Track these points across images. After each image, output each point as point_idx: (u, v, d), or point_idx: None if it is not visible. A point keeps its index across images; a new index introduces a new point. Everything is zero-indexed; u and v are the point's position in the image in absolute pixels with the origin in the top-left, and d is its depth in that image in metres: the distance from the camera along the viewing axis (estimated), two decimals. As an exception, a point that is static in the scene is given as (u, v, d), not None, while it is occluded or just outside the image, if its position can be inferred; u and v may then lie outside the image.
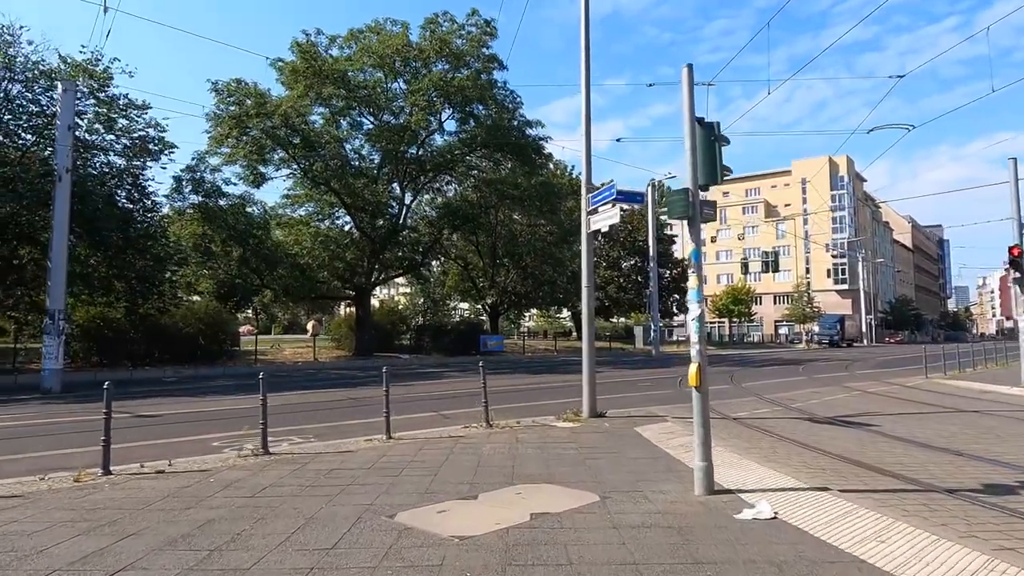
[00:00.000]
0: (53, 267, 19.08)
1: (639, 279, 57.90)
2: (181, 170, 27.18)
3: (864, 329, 77.83)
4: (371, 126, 32.28)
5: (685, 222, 6.17)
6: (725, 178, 6.32)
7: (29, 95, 22.20)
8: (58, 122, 19.44)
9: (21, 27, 22.25)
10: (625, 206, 11.24)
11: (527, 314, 78.58)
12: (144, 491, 6.24)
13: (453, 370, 26.35)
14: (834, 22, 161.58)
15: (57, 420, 12.29)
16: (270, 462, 7.55)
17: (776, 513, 5.16)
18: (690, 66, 6.30)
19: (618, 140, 46.65)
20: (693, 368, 5.86)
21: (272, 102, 27.80)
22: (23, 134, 22.71)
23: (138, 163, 25.02)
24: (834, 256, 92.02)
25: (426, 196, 38.71)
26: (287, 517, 5.23)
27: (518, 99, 32.67)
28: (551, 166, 41.15)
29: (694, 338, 5.96)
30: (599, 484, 6.25)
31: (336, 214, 34.51)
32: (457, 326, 41.29)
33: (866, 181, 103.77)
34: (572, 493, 5.90)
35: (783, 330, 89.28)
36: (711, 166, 6.18)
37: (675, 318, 71.13)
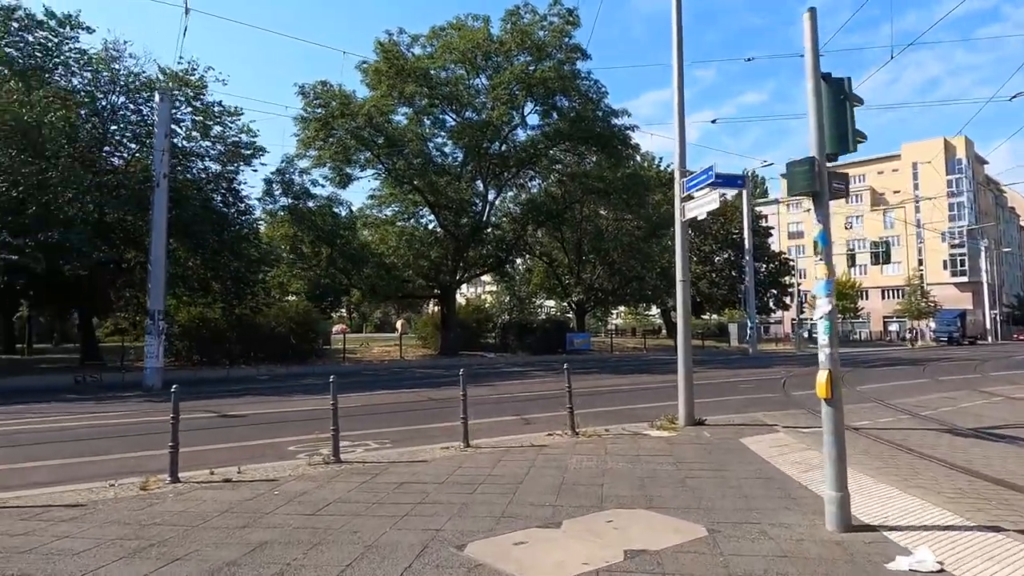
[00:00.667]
0: (152, 269, 19.87)
1: (732, 274, 55.22)
2: (271, 173, 27.97)
3: (988, 325, 71.00)
4: (453, 123, 32.09)
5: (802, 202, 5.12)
6: (859, 144, 5.19)
7: (132, 106, 23.33)
8: (156, 130, 20.23)
9: (125, 42, 23.45)
10: (721, 192, 10.06)
11: (614, 312, 76.96)
12: (205, 503, 5.86)
13: (538, 369, 25.68)
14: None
15: (150, 419, 12.49)
16: (340, 472, 7.06)
17: (942, 564, 4.05)
18: (812, 11, 5.22)
19: (713, 121, 43.41)
20: (823, 376, 4.79)
21: (356, 103, 28.07)
22: (127, 143, 23.91)
23: (232, 168, 25.86)
24: (951, 246, 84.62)
25: (510, 192, 38.28)
26: (345, 544, 4.62)
27: (603, 88, 31.57)
28: (638, 158, 39.60)
29: (823, 340, 4.89)
30: (704, 512, 5.30)
31: (421, 213, 34.61)
32: (543, 324, 40.53)
33: (987, 164, 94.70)
34: (673, 523, 4.99)
35: (893, 327, 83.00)
36: (841, 131, 5.09)
37: (772, 315, 67.56)
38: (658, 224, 38.71)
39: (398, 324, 73.21)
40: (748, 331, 39.09)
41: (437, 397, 15.55)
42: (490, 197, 34.51)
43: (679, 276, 10.30)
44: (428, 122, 32.66)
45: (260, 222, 28.49)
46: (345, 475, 6.91)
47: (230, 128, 25.47)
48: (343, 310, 77.86)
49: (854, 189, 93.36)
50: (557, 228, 37.82)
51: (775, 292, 58.69)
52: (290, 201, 28.29)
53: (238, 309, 26.06)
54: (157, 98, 20.22)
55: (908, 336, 71.24)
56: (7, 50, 20.35)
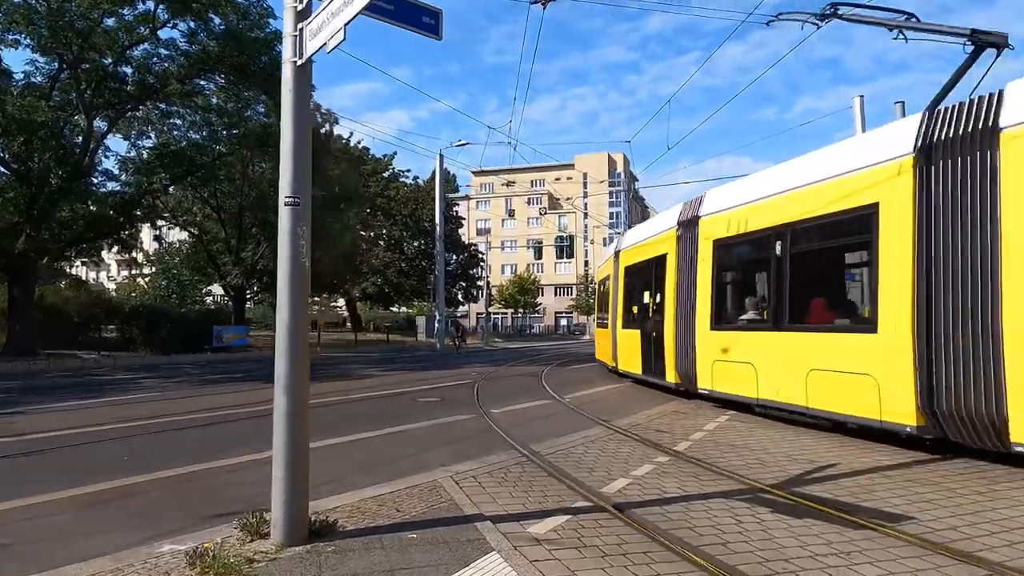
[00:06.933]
0: None
1: (423, 264, 51.95)
2: None
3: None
4: (35, 12, 21.36)
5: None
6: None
7: None
8: None
9: None
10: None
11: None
12: None
13: (155, 376, 17.98)
14: (600, 43, 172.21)
15: None
16: None
17: None
18: None
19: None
20: None
21: None
22: None
23: None
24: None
25: (143, 140, 28.23)
26: None
27: (267, 7, 23.99)
28: (318, 117, 32.70)
29: None
30: None
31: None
32: (182, 315, 31.36)
33: (638, 180, 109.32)
34: None
35: (563, 321, 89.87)
36: None
37: (459, 307, 66.56)
38: (339, 197, 32.68)
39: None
40: (437, 325, 35.46)
41: None
42: (98, 131, 24.35)
43: (285, 194, 4.49)
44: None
45: None
46: None
47: None
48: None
49: (535, 192, 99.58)
50: (207, 189, 29.18)
51: (463, 284, 57.23)
52: None
53: None
54: None
55: (576, 331, 76.89)
56: None
